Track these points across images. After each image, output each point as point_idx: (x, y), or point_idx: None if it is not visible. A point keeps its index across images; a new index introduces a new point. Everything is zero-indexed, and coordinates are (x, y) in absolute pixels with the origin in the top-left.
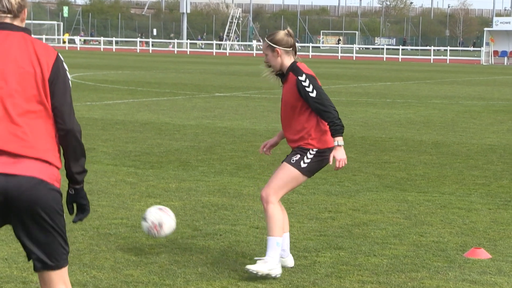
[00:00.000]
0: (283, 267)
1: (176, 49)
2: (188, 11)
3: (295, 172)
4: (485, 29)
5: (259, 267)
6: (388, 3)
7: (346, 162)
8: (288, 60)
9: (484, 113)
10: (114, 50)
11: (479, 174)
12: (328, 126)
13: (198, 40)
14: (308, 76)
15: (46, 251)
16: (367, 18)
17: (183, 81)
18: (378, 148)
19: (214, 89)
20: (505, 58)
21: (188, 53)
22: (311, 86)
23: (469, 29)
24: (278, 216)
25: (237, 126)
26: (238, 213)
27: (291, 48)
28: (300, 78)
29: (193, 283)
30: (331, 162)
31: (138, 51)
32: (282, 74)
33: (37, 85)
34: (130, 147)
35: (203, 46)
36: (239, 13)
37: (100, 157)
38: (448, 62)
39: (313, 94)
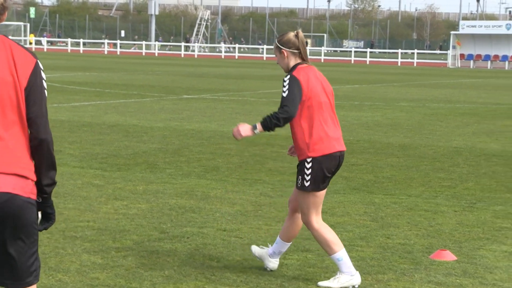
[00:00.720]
0: (265, 268)
1: (144, 50)
2: (157, 12)
3: (306, 195)
4: (452, 32)
5: (330, 283)
6: (356, 6)
7: (237, 138)
8: (293, 62)
9: (451, 116)
10: (81, 51)
11: (445, 176)
12: (322, 131)
13: (159, 41)
14: (292, 77)
15: (17, 267)
16: (335, 20)
17: (151, 83)
18: (346, 150)
19: (182, 91)
20: (471, 61)
21: (156, 54)
22: (287, 86)
23: (436, 33)
24: (323, 238)
25: (205, 128)
26: (206, 215)
27: (298, 50)
28: (284, 78)
29: (159, 286)
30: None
31: (105, 52)
32: None
33: (16, 94)
34: (97, 149)
35: (167, 49)
36: (208, 15)
37: (66, 159)
38: (415, 65)
39: (285, 94)
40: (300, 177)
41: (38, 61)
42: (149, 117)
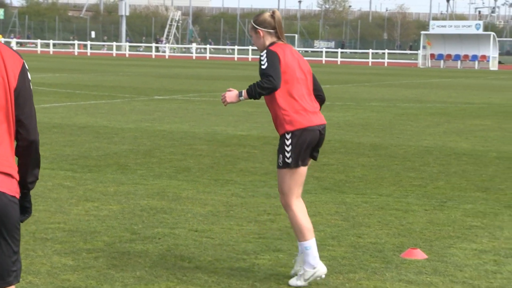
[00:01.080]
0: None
1: (115, 51)
2: (127, 13)
3: (288, 172)
4: (422, 32)
5: (297, 281)
6: (327, 6)
7: (225, 103)
8: (269, 41)
9: (421, 116)
10: (51, 52)
11: (416, 175)
12: (298, 105)
13: (127, 41)
14: (269, 51)
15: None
16: (306, 21)
17: (122, 84)
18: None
19: (153, 92)
20: (441, 61)
21: (127, 55)
22: (265, 59)
23: (406, 33)
24: (299, 222)
25: (177, 129)
26: (177, 216)
27: (274, 30)
28: (261, 53)
29: (131, 287)
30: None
31: (76, 53)
32: None
33: (5, 95)
34: (67, 150)
35: (141, 49)
36: (179, 16)
37: None
38: (386, 65)
39: (264, 66)
40: (281, 155)
41: (24, 61)
42: (120, 118)
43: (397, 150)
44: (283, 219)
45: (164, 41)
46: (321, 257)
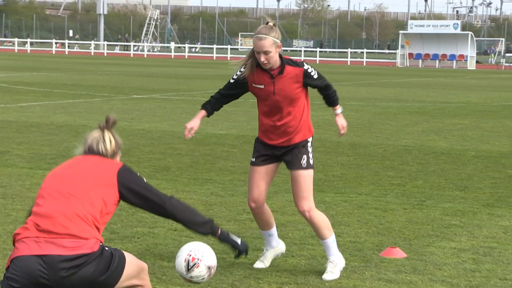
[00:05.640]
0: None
1: (93, 50)
2: (105, 12)
3: (311, 173)
4: (401, 32)
5: (335, 274)
6: (306, 5)
7: (345, 131)
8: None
9: (400, 115)
10: (29, 51)
11: (395, 174)
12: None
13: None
14: (307, 64)
15: None
16: (285, 20)
17: (100, 83)
18: None
19: (132, 91)
20: (420, 60)
21: (105, 54)
22: (313, 70)
23: (385, 32)
24: (325, 218)
25: (155, 128)
26: (156, 215)
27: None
28: (305, 68)
29: None
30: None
31: (53, 52)
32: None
33: None
34: (45, 149)
35: (124, 49)
36: (157, 15)
37: (14, 160)
38: (364, 64)
39: (316, 76)
40: (305, 156)
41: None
42: (98, 117)
43: (376, 149)
44: None
45: (143, 40)
46: (301, 256)
